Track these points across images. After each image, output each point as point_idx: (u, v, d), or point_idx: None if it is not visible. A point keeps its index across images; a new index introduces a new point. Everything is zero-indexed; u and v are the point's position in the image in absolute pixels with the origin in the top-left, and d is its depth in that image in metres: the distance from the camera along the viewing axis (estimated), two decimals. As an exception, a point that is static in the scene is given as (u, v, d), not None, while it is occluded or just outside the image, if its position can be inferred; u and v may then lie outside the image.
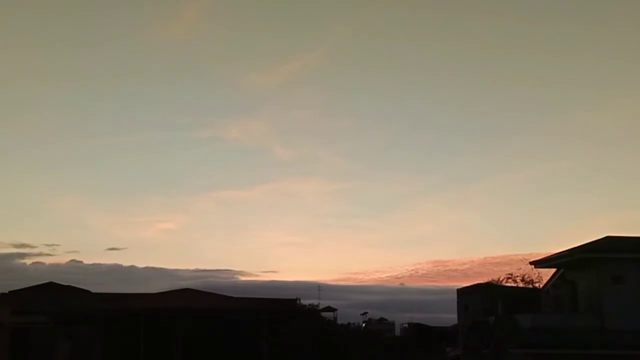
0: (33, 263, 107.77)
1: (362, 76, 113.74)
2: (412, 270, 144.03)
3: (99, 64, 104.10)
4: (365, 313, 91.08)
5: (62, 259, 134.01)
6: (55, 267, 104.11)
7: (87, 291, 41.09)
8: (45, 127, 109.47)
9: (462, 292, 45.27)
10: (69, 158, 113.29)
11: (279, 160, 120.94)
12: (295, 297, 42.53)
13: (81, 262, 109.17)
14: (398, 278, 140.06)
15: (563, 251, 25.87)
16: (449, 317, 52.59)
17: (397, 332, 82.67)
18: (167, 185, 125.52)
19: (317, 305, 66.71)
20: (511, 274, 40.60)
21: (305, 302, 57.21)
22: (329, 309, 75.52)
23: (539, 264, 28.43)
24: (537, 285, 36.74)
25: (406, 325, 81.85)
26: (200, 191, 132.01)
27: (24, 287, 40.56)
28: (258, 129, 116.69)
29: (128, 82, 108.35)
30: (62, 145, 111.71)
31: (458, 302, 45.25)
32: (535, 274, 37.44)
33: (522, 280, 39.62)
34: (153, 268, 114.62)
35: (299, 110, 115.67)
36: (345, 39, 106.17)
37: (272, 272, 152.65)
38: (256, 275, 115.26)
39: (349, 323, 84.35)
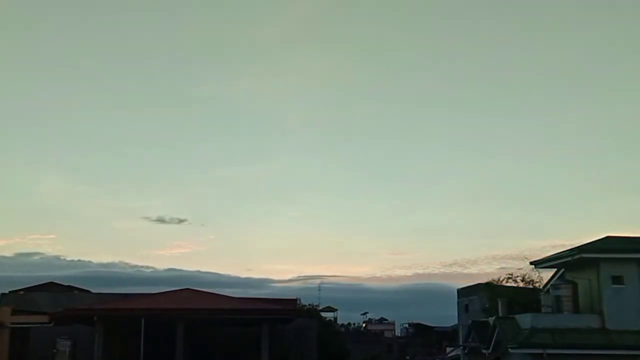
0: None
1: (376, 20, 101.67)
2: (418, 268, 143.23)
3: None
4: (366, 313, 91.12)
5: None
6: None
7: (88, 291, 41.15)
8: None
9: (462, 292, 45.37)
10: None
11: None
12: (295, 297, 42.60)
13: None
14: (403, 276, 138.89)
15: (563, 251, 25.84)
16: (450, 317, 52.67)
17: (398, 332, 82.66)
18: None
19: (317, 305, 66.78)
20: (511, 274, 40.49)
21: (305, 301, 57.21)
22: (329, 309, 75.58)
23: (539, 264, 28.38)
24: (537, 285, 36.66)
25: (407, 325, 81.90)
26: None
27: (24, 287, 40.71)
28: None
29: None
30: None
31: (458, 302, 45.36)
32: (535, 274, 37.33)
33: (522, 280, 39.51)
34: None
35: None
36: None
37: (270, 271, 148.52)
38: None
39: (349, 323, 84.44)
